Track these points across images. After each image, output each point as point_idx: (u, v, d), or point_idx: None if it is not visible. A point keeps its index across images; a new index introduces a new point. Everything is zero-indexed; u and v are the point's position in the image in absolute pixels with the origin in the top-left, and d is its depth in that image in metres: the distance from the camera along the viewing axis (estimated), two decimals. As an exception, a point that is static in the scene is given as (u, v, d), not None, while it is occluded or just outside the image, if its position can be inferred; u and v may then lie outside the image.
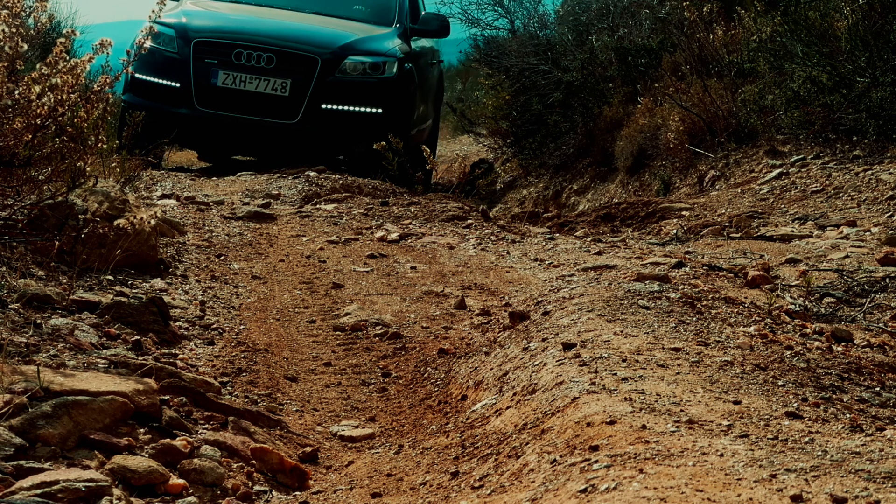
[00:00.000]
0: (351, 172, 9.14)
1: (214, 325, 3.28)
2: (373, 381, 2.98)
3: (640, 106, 9.33)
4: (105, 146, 2.92)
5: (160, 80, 8.58)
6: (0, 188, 2.85)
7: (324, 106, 8.58)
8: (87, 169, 2.95)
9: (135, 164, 5.62)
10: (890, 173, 5.90)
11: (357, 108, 8.68)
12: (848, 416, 2.19)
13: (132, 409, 2.17)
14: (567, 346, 2.55)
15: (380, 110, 8.74)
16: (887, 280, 3.80)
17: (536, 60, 11.14)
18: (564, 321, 2.85)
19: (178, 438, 2.16)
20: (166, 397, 2.36)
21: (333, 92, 8.61)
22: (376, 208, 5.91)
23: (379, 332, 3.38)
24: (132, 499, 1.91)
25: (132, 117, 7.84)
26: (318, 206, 6.01)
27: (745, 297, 3.47)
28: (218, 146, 9.38)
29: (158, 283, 3.59)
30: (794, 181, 6.48)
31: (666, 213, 6.25)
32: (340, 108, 8.64)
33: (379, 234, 5.05)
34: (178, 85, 8.52)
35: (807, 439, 1.92)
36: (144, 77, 8.63)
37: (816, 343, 2.83)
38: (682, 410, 2.05)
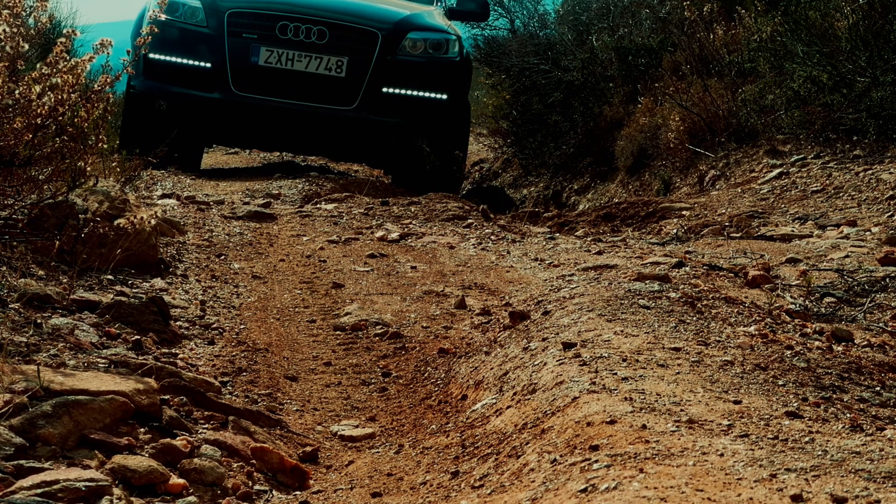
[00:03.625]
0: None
1: (215, 325, 3.28)
2: (373, 380, 2.98)
3: (640, 106, 9.33)
4: (105, 146, 2.92)
5: (184, 61, 7.15)
6: (0, 188, 2.85)
7: (384, 90, 7.26)
8: (88, 169, 2.95)
9: (135, 164, 5.61)
10: (890, 173, 5.90)
11: (420, 93, 7.38)
12: (848, 415, 2.19)
13: (132, 409, 2.17)
14: (567, 346, 2.55)
15: (444, 96, 7.47)
16: (888, 280, 3.80)
17: (537, 60, 11.14)
18: (565, 321, 2.85)
19: (178, 438, 2.16)
20: (166, 397, 2.36)
21: (395, 73, 7.29)
22: (376, 208, 5.91)
23: (379, 331, 3.38)
24: (132, 498, 1.91)
25: (147, 106, 6.91)
26: (318, 205, 6.01)
27: (746, 297, 3.47)
28: (258, 138, 7.88)
29: (159, 282, 3.59)
30: (795, 181, 6.48)
31: (666, 212, 6.25)
32: (403, 92, 7.32)
33: (379, 233, 5.04)
34: (208, 65, 7.10)
35: (807, 439, 1.92)
36: (162, 57, 7.16)
37: (817, 343, 2.83)
38: (682, 410, 2.05)
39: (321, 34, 7.09)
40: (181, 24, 7.12)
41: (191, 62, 7.16)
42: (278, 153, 11.87)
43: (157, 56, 7.15)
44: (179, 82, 7.19)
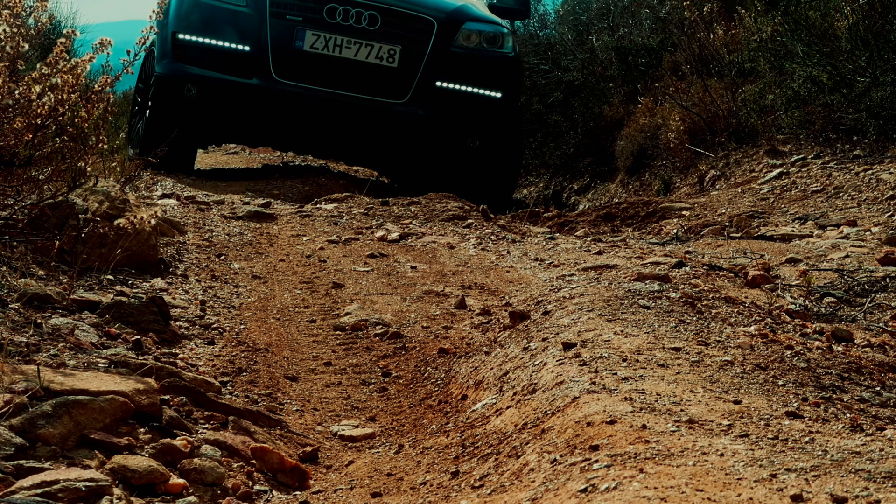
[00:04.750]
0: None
1: (215, 325, 3.28)
2: (373, 380, 2.98)
3: (640, 105, 9.33)
4: (105, 146, 2.92)
5: (219, 42, 6.50)
6: (0, 188, 2.85)
7: (438, 84, 6.68)
8: (88, 169, 2.95)
9: (135, 164, 5.60)
10: (890, 173, 5.90)
11: (475, 90, 6.79)
12: (848, 415, 2.19)
13: (132, 409, 2.17)
14: (567, 346, 2.55)
15: (499, 94, 6.87)
16: (888, 280, 3.80)
17: (537, 60, 11.14)
18: (565, 321, 2.85)
19: (178, 438, 2.16)
20: (166, 397, 2.36)
21: (450, 66, 6.69)
22: (376, 208, 5.90)
23: (379, 331, 3.38)
24: (132, 498, 1.91)
25: (173, 92, 6.23)
26: (318, 205, 6.00)
27: (746, 297, 3.47)
28: (296, 132, 6.95)
29: (159, 282, 3.59)
30: (795, 181, 6.48)
31: (666, 212, 6.25)
32: (457, 87, 6.74)
33: (379, 233, 5.04)
34: (246, 49, 6.47)
35: (807, 439, 1.92)
36: (193, 38, 6.54)
37: (817, 343, 2.83)
38: (682, 410, 2.05)
39: (373, 19, 6.50)
40: (217, 2, 6.53)
41: (226, 44, 6.50)
42: (278, 154, 11.87)
43: (186, 37, 6.53)
44: (212, 66, 6.51)
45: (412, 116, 6.65)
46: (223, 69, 6.50)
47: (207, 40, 6.53)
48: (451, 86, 6.73)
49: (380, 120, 6.67)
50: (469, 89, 6.76)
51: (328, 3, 6.48)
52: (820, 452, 1.83)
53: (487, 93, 6.81)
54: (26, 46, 2.74)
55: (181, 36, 6.54)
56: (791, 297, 3.67)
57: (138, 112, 7.22)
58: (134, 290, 3.33)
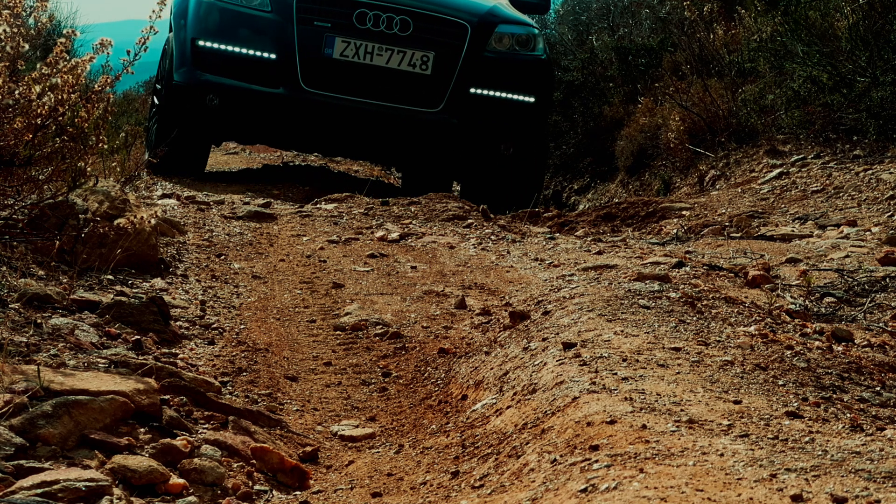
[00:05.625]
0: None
1: (215, 325, 3.28)
2: (373, 380, 2.98)
3: (640, 105, 9.34)
4: (105, 146, 2.92)
5: (242, 50, 6.19)
6: (0, 188, 2.85)
7: (472, 90, 6.43)
8: (88, 169, 2.95)
9: (135, 164, 5.59)
10: (890, 173, 5.90)
11: (509, 96, 6.54)
12: (848, 415, 2.19)
13: (132, 409, 2.17)
14: (567, 346, 2.55)
15: (532, 99, 6.61)
16: (888, 280, 3.80)
17: (537, 60, 11.13)
18: (565, 321, 2.85)
19: (178, 438, 2.17)
20: (166, 397, 2.36)
21: (483, 72, 6.43)
22: (376, 208, 5.90)
23: (379, 331, 3.38)
24: (132, 498, 1.91)
25: (192, 102, 5.97)
26: (318, 205, 6.00)
27: (746, 297, 3.47)
28: (327, 143, 6.78)
29: (159, 282, 3.59)
30: (795, 181, 6.48)
31: (666, 212, 6.25)
32: (491, 93, 6.48)
33: (379, 233, 5.04)
34: (272, 56, 6.17)
35: (807, 439, 1.92)
36: (215, 45, 6.24)
37: (817, 343, 2.83)
38: (682, 410, 2.05)
39: (404, 25, 6.20)
40: (239, 6, 6.19)
41: (251, 52, 6.20)
42: (278, 154, 11.87)
43: (207, 43, 6.22)
44: (235, 74, 6.20)
45: (446, 125, 6.38)
46: (247, 78, 6.21)
47: (230, 47, 6.22)
48: (484, 92, 6.47)
49: (413, 129, 6.40)
50: (503, 95, 6.52)
51: (358, 9, 6.19)
52: (820, 452, 1.83)
53: (521, 98, 6.58)
54: (26, 46, 2.74)
55: (201, 43, 6.25)
56: (791, 297, 3.67)
57: (155, 117, 6.95)
58: (134, 290, 3.33)
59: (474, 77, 6.39)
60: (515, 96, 6.55)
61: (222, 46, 6.21)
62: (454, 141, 6.47)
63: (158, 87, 7.06)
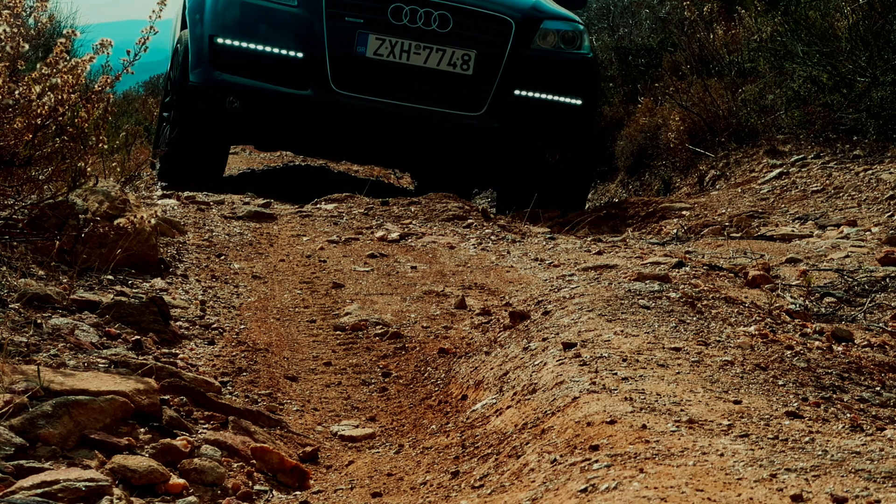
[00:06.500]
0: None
1: (215, 325, 3.28)
2: (373, 380, 2.98)
3: (640, 105, 9.34)
4: (105, 146, 2.92)
5: (265, 48, 5.70)
6: (0, 188, 2.85)
7: (516, 92, 5.97)
8: (88, 169, 2.95)
9: (135, 164, 5.58)
10: (890, 173, 5.90)
11: (555, 98, 6.08)
12: (848, 415, 2.19)
13: (132, 409, 2.17)
14: (567, 346, 2.55)
15: (579, 101, 6.15)
16: (888, 280, 3.80)
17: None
18: (565, 321, 2.85)
19: (178, 438, 2.17)
20: (166, 397, 2.36)
21: (528, 72, 5.97)
22: (376, 208, 5.90)
23: (379, 331, 3.38)
24: (132, 498, 1.91)
25: (209, 104, 5.52)
26: (318, 205, 6.00)
27: (746, 297, 3.47)
28: (358, 150, 6.25)
29: (159, 282, 3.59)
30: (795, 181, 6.49)
31: (666, 212, 6.25)
32: (536, 95, 6.02)
33: (379, 233, 5.04)
34: (299, 55, 5.70)
35: (807, 439, 1.92)
36: (235, 43, 5.74)
37: (817, 343, 2.83)
38: (682, 410, 2.05)
39: (443, 21, 5.72)
40: (260, 2, 5.75)
41: (275, 50, 5.70)
42: (278, 154, 11.86)
43: (226, 41, 5.74)
44: (258, 75, 5.71)
45: (488, 130, 5.91)
46: (271, 79, 5.72)
47: (252, 45, 5.71)
48: (529, 94, 6.00)
49: (453, 135, 5.93)
50: (548, 97, 6.06)
51: (393, 3, 5.71)
52: (820, 452, 1.83)
53: (567, 100, 6.11)
54: (26, 46, 2.74)
55: (220, 40, 5.77)
56: (791, 297, 3.67)
57: (168, 120, 6.50)
58: (134, 290, 3.33)
59: (518, 78, 5.95)
60: (562, 98, 6.11)
61: (243, 44, 5.73)
62: (496, 148, 6.04)
63: (169, 87, 6.70)
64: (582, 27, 6.35)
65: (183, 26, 6.41)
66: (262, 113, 5.82)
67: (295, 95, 5.71)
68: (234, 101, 5.78)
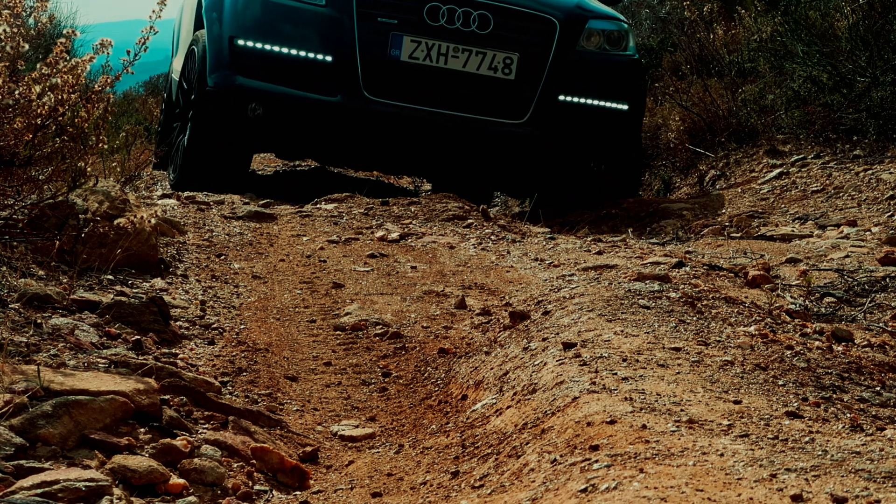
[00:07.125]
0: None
1: (215, 325, 3.29)
2: (373, 380, 2.98)
3: (640, 105, 9.33)
4: (105, 146, 2.92)
5: (291, 51, 5.29)
6: (0, 188, 2.85)
7: (561, 98, 5.59)
8: (88, 169, 2.95)
9: (135, 164, 5.58)
10: (890, 173, 5.90)
11: (600, 103, 5.71)
12: (848, 415, 2.19)
13: (132, 409, 2.17)
14: (567, 346, 2.55)
15: (625, 106, 5.81)
16: (888, 280, 3.80)
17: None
18: (565, 321, 2.85)
19: (178, 438, 2.17)
20: (167, 397, 2.36)
21: (573, 75, 5.59)
22: (376, 208, 5.90)
23: (379, 331, 3.38)
24: (132, 498, 1.91)
25: (229, 111, 5.11)
26: (318, 205, 6.00)
27: (746, 297, 3.47)
28: (391, 159, 5.84)
29: (159, 282, 3.59)
30: (795, 181, 6.49)
31: (666, 212, 6.25)
32: (581, 101, 5.65)
33: (379, 233, 5.04)
34: (328, 59, 5.28)
35: (807, 439, 1.92)
36: (257, 45, 5.32)
37: (817, 343, 2.83)
38: (682, 410, 2.05)
39: (484, 21, 5.31)
40: (284, 2, 5.34)
41: (301, 53, 5.30)
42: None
43: (248, 43, 5.33)
44: (282, 80, 5.32)
45: (531, 139, 5.53)
46: (297, 84, 5.33)
47: (276, 48, 5.31)
48: (574, 100, 5.63)
49: (495, 145, 5.53)
50: (594, 103, 5.68)
51: (430, 2, 5.30)
52: (820, 452, 1.83)
53: (614, 106, 5.75)
54: (26, 46, 2.75)
55: (241, 42, 5.35)
56: (791, 297, 3.67)
57: (179, 128, 6.11)
58: (134, 290, 3.33)
59: (563, 82, 5.57)
60: (608, 104, 5.73)
61: (266, 46, 5.31)
62: (539, 157, 5.66)
63: (171, 87, 6.23)
64: (627, 26, 6.00)
65: (198, 25, 6.08)
66: (287, 121, 5.45)
67: (323, 102, 5.36)
68: (257, 107, 5.44)
